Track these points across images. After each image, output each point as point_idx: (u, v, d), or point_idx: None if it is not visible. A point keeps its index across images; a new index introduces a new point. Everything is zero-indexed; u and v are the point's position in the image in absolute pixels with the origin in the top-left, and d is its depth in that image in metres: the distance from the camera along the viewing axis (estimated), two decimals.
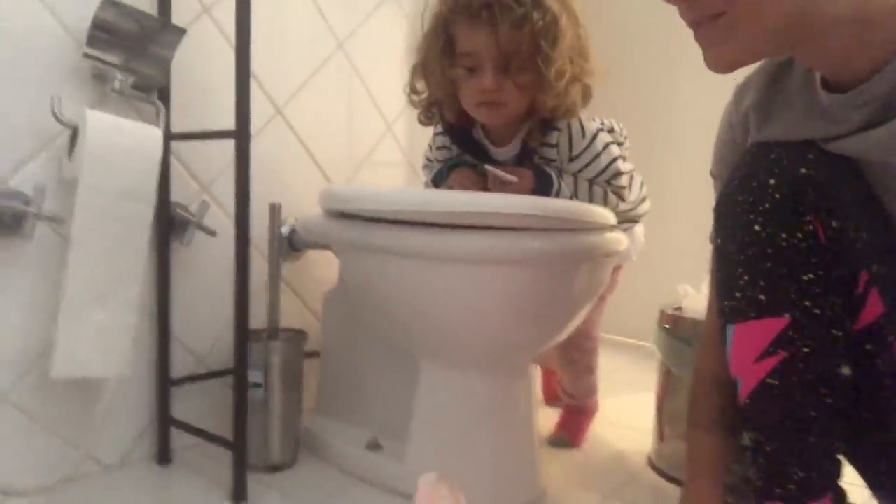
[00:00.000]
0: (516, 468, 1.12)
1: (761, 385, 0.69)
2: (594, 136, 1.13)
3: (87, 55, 1.04)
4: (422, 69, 1.17)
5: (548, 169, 1.14)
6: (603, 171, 1.14)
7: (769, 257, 0.67)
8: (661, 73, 2.05)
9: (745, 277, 0.68)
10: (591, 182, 1.15)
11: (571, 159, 1.13)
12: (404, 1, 1.58)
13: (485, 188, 1.15)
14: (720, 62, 0.64)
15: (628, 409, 1.55)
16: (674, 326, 1.21)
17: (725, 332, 0.72)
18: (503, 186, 1.10)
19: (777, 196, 0.66)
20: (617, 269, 1.33)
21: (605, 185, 1.15)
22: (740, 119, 0.78)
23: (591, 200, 1.13)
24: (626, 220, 1.26)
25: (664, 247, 1.81)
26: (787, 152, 0.68)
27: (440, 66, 1.12)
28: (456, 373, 1.08)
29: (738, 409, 0.72)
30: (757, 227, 0.67)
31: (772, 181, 0.67)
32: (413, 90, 1.20)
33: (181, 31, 1.12)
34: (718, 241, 0.72)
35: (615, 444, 1.40)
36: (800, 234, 0.66)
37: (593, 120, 1.18)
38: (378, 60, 1.54)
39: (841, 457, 0.71)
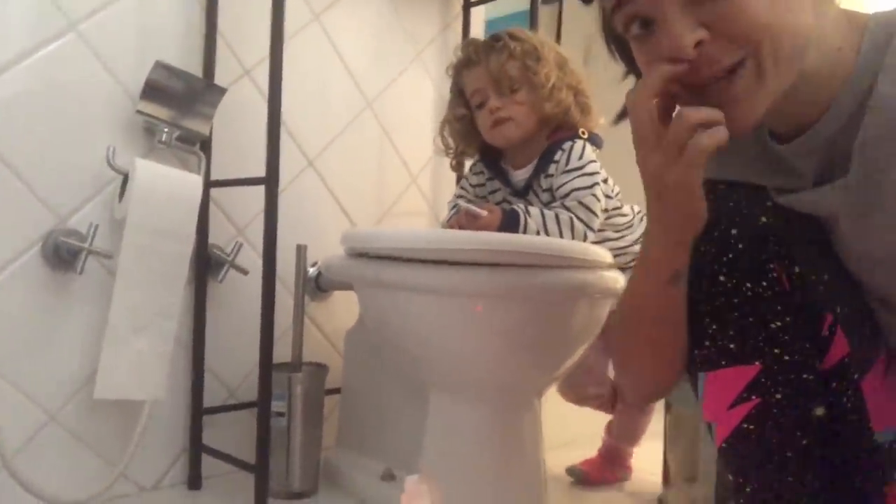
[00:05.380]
0: (522, 498, 1.17)
1: (737, 429, 0.69)
2: (590, 161, 1.26)
3: (139, 111, 1.18)
4: (446, 122, 1.39)
5: (516, 206, 1.24)
6: (585, 188, 1.23)
7: (736, 307, 0.67)
8: None
9: (714, 327, 0.69)
10: (563, 203, 1.23)
11: (564, 172, 1.25)
12: (429, 64, 1.70)
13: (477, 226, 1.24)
14: (750, 118, 0.61)
15: (644, 453, 1.57)
16: None
17: (697, 379, 0.72)
18: (474, 221, 1.21)
19: (740, 246, 0.67)
20: None
21: (577, 206, 1.22)
22: None
23: (559, 229, 1.21)
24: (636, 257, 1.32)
25: None
26: (747, 200, 0.70)
27: (458, 111, 1.35)
28: (463, 405, 1.14)
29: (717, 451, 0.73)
30: (722, 278, 0.68)
31: (734, 231, 0.68)
32: (444, 143, 1.41)
33: (222, 91, 1.25)
34: None
35: (626, 486, 1.43)
36: (764, 283, 0.66)
37: (595, 161, 1.27)
38: (404, 117, 1.66)
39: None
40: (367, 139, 1.60)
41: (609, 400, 1.48)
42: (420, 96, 1.70)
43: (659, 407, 1.37)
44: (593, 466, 1.45)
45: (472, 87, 1.31)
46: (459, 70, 1.34)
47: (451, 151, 1.41)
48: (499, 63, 1.26)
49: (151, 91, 1.17)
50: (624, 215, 1.33)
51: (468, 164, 1.46)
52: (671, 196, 0.62)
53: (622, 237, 1.33)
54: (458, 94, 1.36)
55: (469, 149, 1.39)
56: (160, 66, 1.17)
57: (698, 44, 0.59)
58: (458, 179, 1.64)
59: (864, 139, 0.61)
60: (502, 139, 1.31)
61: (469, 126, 1.35)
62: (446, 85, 1.41)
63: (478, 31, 1.78)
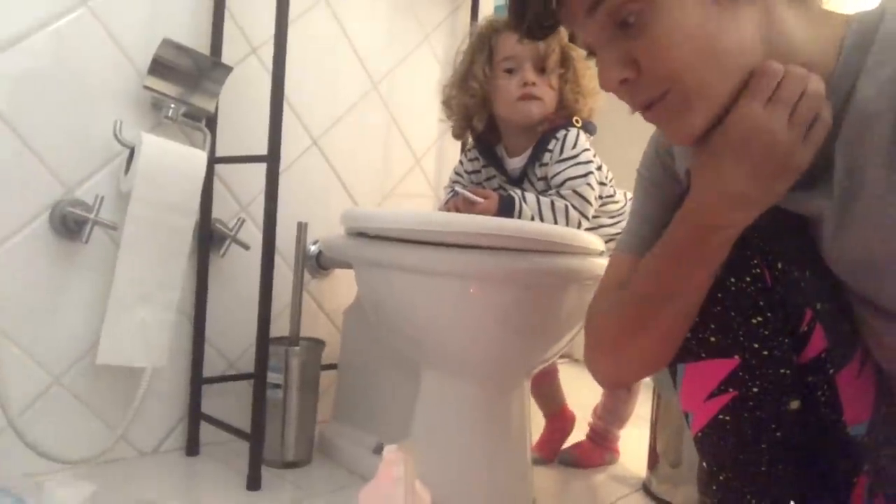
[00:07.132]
0: (508, 477, 1.20)
1: (713, 420, 0.71)
2: (583, 149, 1.27)
3: (147, 87, 1.20)
4: (462, 79, 1.35)
5: (513, 193, 1.25)
6: (579, 177, 1.25)
7: (718, 301, 0.68)
8: None
9: (696, 319, 0.69)
10: (559, 192, 1.25)
11: (558, 161, 1.27)
12: (437, 47, 1.72)
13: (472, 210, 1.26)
14: (680, 135, 0.65)
15: (631, 438, 1.60)
16: None
17: (676, 369, 0.74)
18: (471, 206, 1.23)
19: None
20: None
21: (572, 194, 1.24)
22: (665, 150, 0.81)
23: (553, 216, 1.23)
24: None
25: None
26: None
27: (482, 71, 1.31)
28: (453, 382, 1.17)
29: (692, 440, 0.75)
30: None
31: None
32: (448, 104, 1.38)
33: (228, 69, 1.28)
34: None
35: (612, 470, 1.46)
36: (748, 278, 0.68)
37: (589, 149, 1.29)
38: (410, 99, 1.68)
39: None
40: (373, 120, 1.62)
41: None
42: (426, 79, 1.71)
43: (645, 391, 1.39)
44: (582, 450, 1.48)
45: (508, 52, 1.29)
46: (499, 30, 1.32)
47: (455, 116, 1.38)
48: (549, 42, 1.26)
49: (159, 67, 1.20)
50: (616, 202, 1.35)
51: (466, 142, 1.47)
52: (791, 178, 0.62)
53: (615, 223, 1.35)
54: (487, 53, 1.32)
55: (477, 116, 1.35)
56: (168, 43, 1.19)
57: (624, 80, 0.62)
58: (463, 149, 1.65)
59: (845, 138, 0.63)
60: (522, 115, 1.29)
61: (486, 88, 1.32)
62: (453, 68, 1.42)
63: (486, 14, 1.79)
